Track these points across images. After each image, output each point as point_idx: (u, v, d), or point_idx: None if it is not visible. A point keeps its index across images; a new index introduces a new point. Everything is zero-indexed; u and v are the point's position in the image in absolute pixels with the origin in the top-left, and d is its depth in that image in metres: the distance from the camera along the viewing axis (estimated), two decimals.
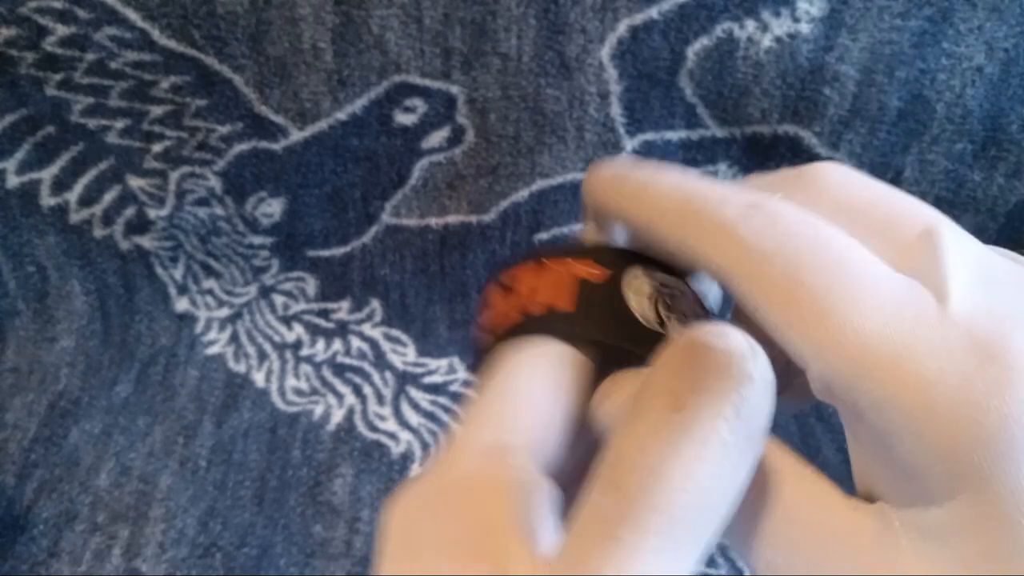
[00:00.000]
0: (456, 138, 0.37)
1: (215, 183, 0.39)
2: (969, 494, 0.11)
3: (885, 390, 0.12)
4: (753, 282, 0.14)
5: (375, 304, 0.43)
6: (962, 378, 0.11)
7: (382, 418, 0.40)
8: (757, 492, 0.13)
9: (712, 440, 0.12)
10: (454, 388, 0.41)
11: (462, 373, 0.42)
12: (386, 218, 0.40)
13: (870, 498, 0.13)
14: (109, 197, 0.39)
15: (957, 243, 0.14)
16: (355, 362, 0.42)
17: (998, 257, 0.14)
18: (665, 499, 0.12)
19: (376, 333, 0.43)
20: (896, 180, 0.38)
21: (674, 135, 0.37)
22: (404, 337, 0.43)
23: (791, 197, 0.15)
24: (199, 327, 0.43)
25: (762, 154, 0.38)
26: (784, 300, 0.13)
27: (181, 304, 0.43)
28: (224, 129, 0.37)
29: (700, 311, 0.18)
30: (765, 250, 0.14)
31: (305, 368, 0.41)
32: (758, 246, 0.14)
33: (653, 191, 0.16)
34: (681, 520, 0.12)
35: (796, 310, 0.13)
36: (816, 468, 0.14)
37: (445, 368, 0.42)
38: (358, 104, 0.36)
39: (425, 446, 0.39)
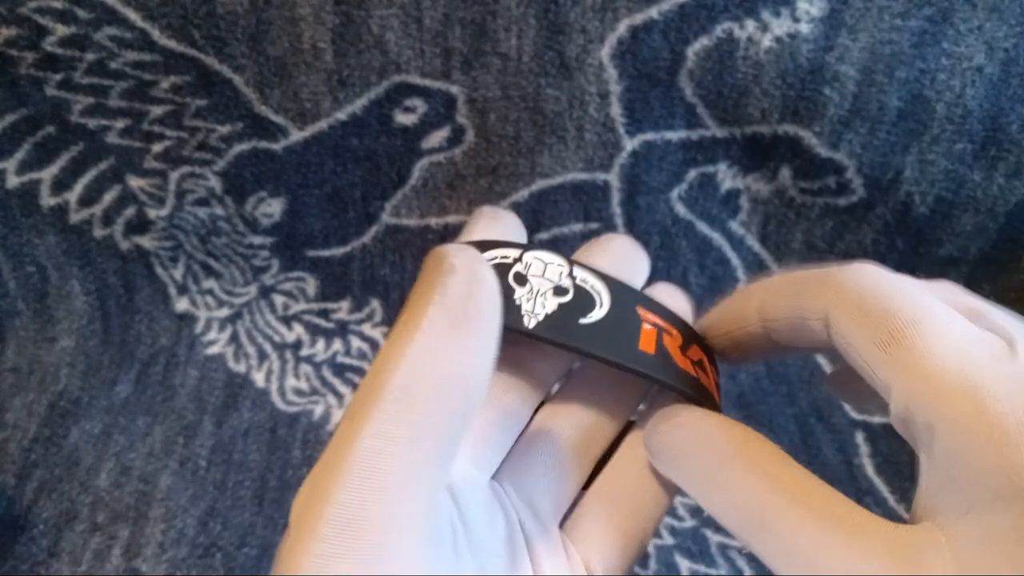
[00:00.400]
0: (456, 138, 0.37)
1: (215, 183, 0.39)
2: (1021, 503, 0.12)
3: (960, 411, 0.14)
4: (851, 319, 0.16)
5: (375, 304, 0.43)
6: None
7: None
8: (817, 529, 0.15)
9: (421, 324, 0.14)
10: None
11: None
12: (386, 218, 0.40)
13: (929, 515, 0.15)
14: (109, 197, 0.39)
15: (1007, 314, 0.16)
16: (355, 362, 0.42)
17: None
18: (386, 378, 0.13)
19: (376, 333, 0.43)
20: (896, 180, 0.38)
21: (674, 135, 0.37)
22: None
23: (819, 295, 0.18)
24: (199, 327, 0.43)
25: (762, 154, 0.38)
26: (876, 333, 0.15)
27: (181, 304, 0.43)
28: (224, 129, 0.37)
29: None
30: (861, 291, 0.16)
31: (305, 368, 0.41)
32: (855, 287, 0.16)
33: (758, 285, 0.20)
34: (401, 396, 0.13)
35: (887, 340, 0.15)
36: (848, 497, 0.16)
37: None
38: (358, 104, 0.36)
39: None
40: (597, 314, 0.19)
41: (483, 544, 0.16)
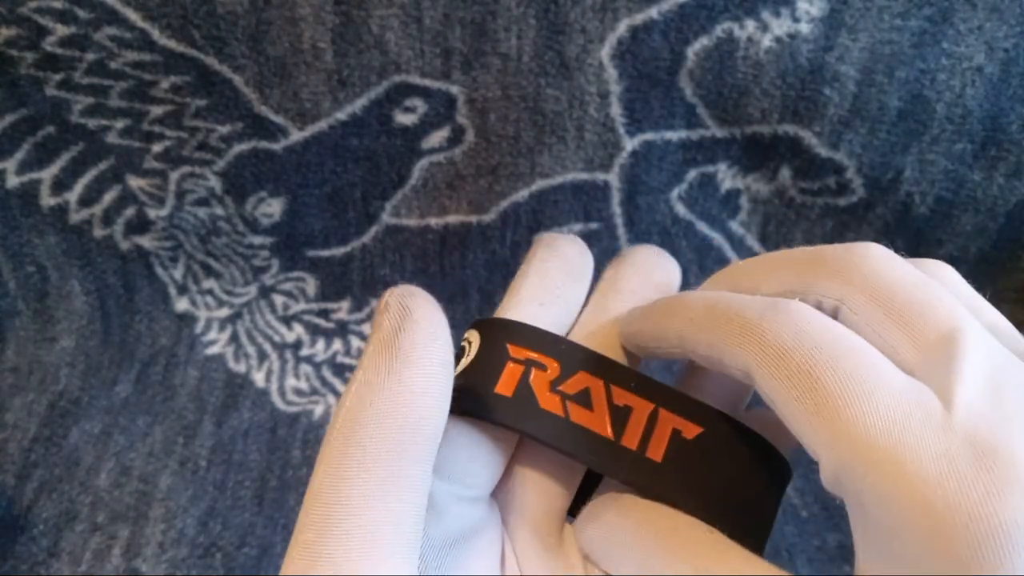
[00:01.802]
0: (456, 138, 0.37)
1: (215, 183, 0.39)
2: None
3: (888, 486, 0.13)
4: (773, 378, 0.15)
5: (375, 304, 0.43)
6: (959, 482, 0.12)
7: None
8: None
9: (362, 361, 0.15)
10: None
11: None
12: (386, 218, 0.40)
13: None
14: (109, 197, 0.39)
15: (977, 347, 0.15)
16: (355, 362, 0.42)
17: (1017, 362, 0.15)
18: (336, 416, 0.15)
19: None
20: (896, 180, 0.38)
21: (674, 135, 0.37)
22: None
23: (829, 276, 0.16)
24: (199, 327, 0.43)
25: (762, 154, 0.38)
26: (800, 395, 0.14)
27: (181, 304, 0.43)
28: (224, 129, 0.37)
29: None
30: (783, 347, 0.15)
31: (305, 368, 0.41)
32: (776, 343, 0.15)
33: (682, 306, 0.18)
34: (348, 433, 0.14)
35: (812, 404, 0.14)
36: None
37: None
38: (358, 104, 0.36)
39: None
40: (463, 363, 0.19)
41: (467, 559, 0.17)
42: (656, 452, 0.17)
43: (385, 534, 0.14)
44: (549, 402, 0.18)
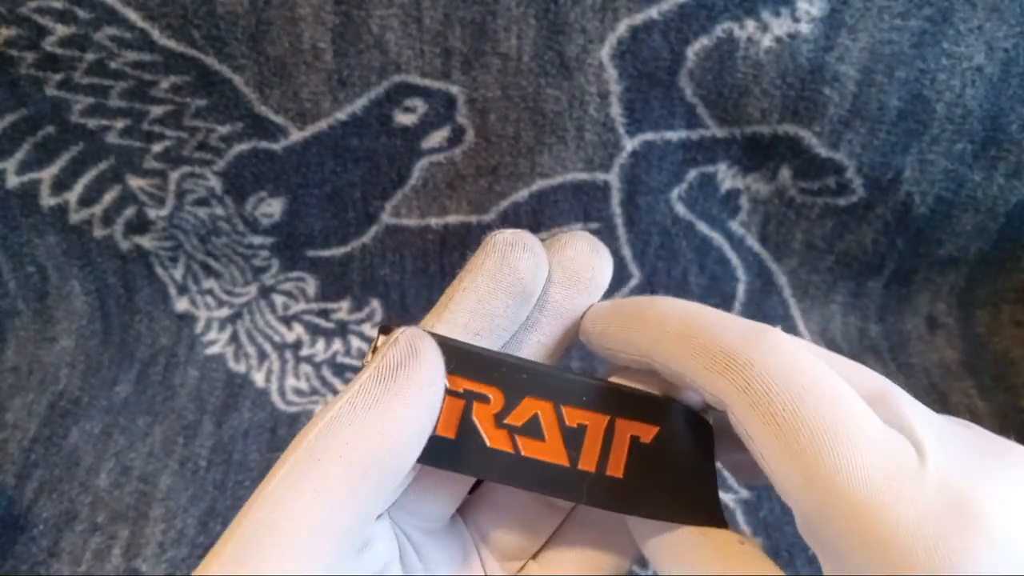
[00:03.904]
0: (456, 138, 0.37)
1: (215, 183, 0.39)
2: None
3: (868, 535, 0.13)
4: (753, 414, 0.15)
5: (375, 304, 0.43)
6: (937, 530, 0.13)
7: None
8: None
9: (357, 387, 0.15)
10: None
11: None
12: (386, 218, 0.40)
13: None
14: (109, 197, 0.39)
15: (913, 404, 0.15)
16: (355, 362, 0.42)
17: (947, 419, 0.15)
18: (320, 426, 0.15)
19: (376, 333, 0.43)
20: (896, 180, 0.38)
21: (674, 135, 0.37)
22: None
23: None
24: (199, 327, 0.43)
25: (762, 154, 0.38)
26: (780, 435, 0.14)
27: (181, 304, 0.43)
28: (224, 129, 0.37)
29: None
30: (770, 386, 0.14)
31: (305, 368, 0.41)
32: (762, 380, 0.15)
33: (655, 314, 0.17)
34: (306, 458, 0.15)
35: (793, 447, 0.14)
36: None
37: None
38: (358, 104, 0.36)
39: None
40: None
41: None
42: (616, 467, 0.17)
43: (319, 547, 0.14)
44: (496, 439, 0.17)
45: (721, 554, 0.16)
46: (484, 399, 0.17)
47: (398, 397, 0.15)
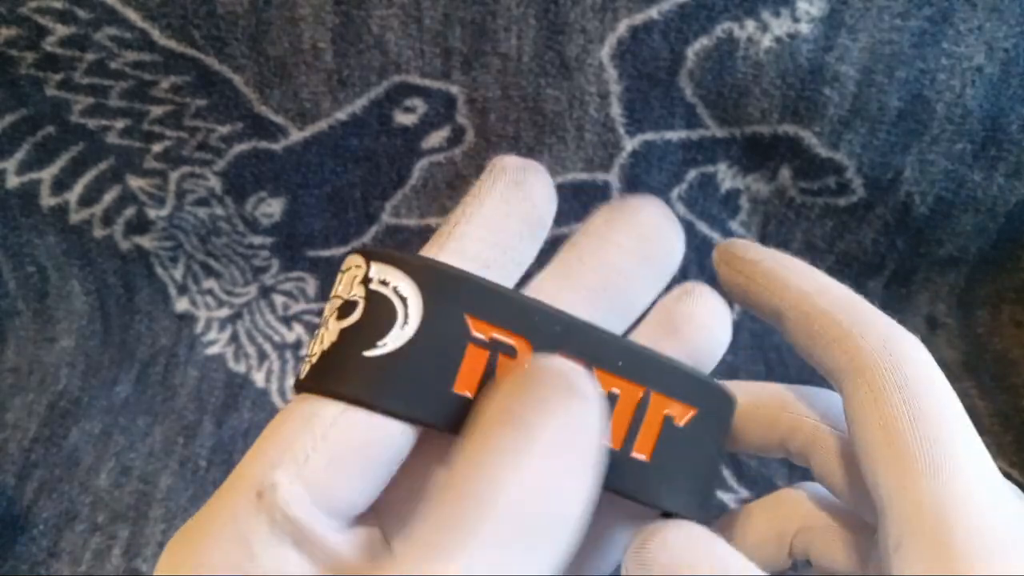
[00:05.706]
0: (456, 138, 0.37)
1: (215, 183, 0.39)
2: None
3: (958, 556, 0.13)
4: (884, 409, 0.14)
5: None
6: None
7: None
8: None
9: (549, 452, 0.12)
10: None
11: None
12: (386, 218, 0.40)
13: None
14: (109, 197, 0.39)
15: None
16: None
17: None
18: (505, 509, 0.11)
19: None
20: (896, 180, 0.38)
21: (674, 135, 0.37)
22: None
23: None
24: (199, 327, 0.43)
25: (762, 154, 0.38)
26: (905, 437, 0.14)
27: (181, 304, 0.43)
28: (224, 129, 0.37)
29: None
30: (905, 384, 0.15)
31: None
32: (898, 381, 0.15)
33: (813, 280, 0.17)
34: (520, 529, 0.11)
35: (916, 449, 0.14)
36: None
37: None
38: (358, 104, 0.36)
39: None
40: (395, 337, 0.13)
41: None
42: (643, 448, 0.15)
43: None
44: None
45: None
46: (510, 351, 0.14)
47: (592, 460, 0.13)
